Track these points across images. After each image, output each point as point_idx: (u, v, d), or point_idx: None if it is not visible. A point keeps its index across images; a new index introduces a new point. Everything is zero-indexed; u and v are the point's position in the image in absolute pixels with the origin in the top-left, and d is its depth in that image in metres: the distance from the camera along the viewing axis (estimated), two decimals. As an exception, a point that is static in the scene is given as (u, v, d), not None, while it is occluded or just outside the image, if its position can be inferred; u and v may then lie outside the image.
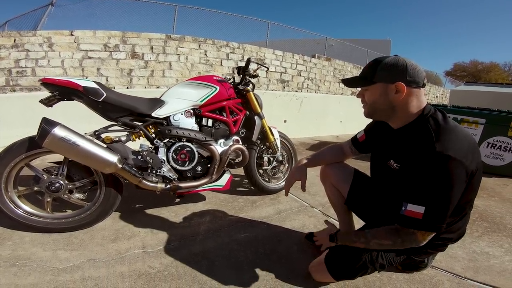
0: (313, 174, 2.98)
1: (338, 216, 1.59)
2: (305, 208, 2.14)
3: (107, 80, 3.81)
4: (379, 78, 1.01)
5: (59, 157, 1.52)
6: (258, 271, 1.36)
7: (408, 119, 1.05)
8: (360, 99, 1.14)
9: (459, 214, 1.09)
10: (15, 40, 3.29)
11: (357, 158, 1.77)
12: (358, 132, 1.45)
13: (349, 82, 1.14)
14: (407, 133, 1.05)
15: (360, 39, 15.32)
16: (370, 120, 1.39)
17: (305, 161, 1.45)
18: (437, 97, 12.16)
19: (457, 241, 1.21)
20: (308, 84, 5.97)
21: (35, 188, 1.51)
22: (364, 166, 1.51)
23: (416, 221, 0.95)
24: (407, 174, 1.00)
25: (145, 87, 4.07)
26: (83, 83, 1.51)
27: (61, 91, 1.51)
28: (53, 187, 1.48)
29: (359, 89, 1.15)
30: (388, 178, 1.17)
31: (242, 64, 2.12)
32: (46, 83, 1.49)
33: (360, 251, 1.14)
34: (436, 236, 1.10)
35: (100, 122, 1.68)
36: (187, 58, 4.38)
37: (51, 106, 1.56)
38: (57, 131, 1.34)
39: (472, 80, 22.51)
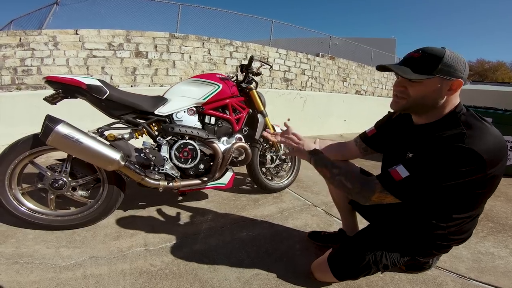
0: (316, 172, 2.98)
1: (342, 216, 1.58)
2: (308, 207, 2.13)
3: (111, 79, 3.83)
4: (440, 71, 0.90)
5: (63, 155, 1.53)
6: (259, 270, 1.35)
7: (440, 115, 0.99)
8: (396, 90, 1.02)
9: (470, 216, 1.06)
10: (20, 39, 3.33)
11: (363, 158, 1.74)
12: (367, 129, 1.38)
13: (398, 69, 0.96)
14: (435, 128, 0.98)
15: (364, 38, 15.19)
16: (376, 118, 1.35)
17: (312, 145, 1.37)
18: (442, 96, 12.04)
19: (462, 243, 1.19)
20: (312, 83, 5.94)
21: (39, 186, 1.52)
22: (368, 165, 1.49)
23: (391, 181, 0.93)
24: (418, 155, 0.95)
25: (149, 86, 4.09)
26: (86, 81, 1.52)
27: (65, 88, 1.52)
28: (56, 184, 1.49)
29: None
30: None
31: (246, 62, 2.11)
32: (50, 81, 1.50)
33: (364, 251, 1.13)
34: (443, 237, 1.09)
35: (103, 119, 1.68)
36: (190, 57, 4.39)
37: (55, 104, 1.58)
38: (61, 128, 1.35)
39: (479, 79, 22.23)
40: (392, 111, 1.21)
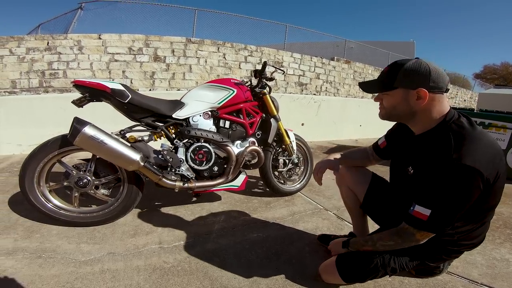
0: (329, 177, 2.97)
1: (353, 219, 1.59)
2: (319, 211, 2.14)
3: (131, 83, 3.98)
4: (400, 83, 0.98)
5: (86, 155, 1.62)
6: (268, 270, 1.38)
7: (430, 125, 1.03)
8: (378, 102, 1.12)
9: (478, 222, 1.07)
10: (48, 43, 3.51)
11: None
12: (379, 138, 1.43)
13: (367, 87, 1.11)
14: (428, 139, 1.03)
15: (382, 41, 14.97)
16: (391, 123, 1.38)
17: (337, 155, 1.48)
18: (465, 100, 11.67)
19: (473, 248, 1.18)
20: (326, 87, 5.92)
21: (65, 183, 1.62)
22: (383, 171, 1.49)
23: (420, 221, 0.96)
24: (420, 177, 1.00)
25: (167, 89, 4.20)
26: (111, 85, 1.61)
27: (91, 92, 1.61)
28: (81, 183, 1.59)
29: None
30: (405, 183, 1.16)
31: (260, 67, 2.16)
32: (78, 85, 1.60)
33: (372, 254, 1.15)
34: (452, 243, 1.09)
35: (124, 122, 1.78)
36: (206, 61, 4.48)
37: (82, 107, 1.67)
38: (87, 130, 1.44)
39: (503, 83, 21.33)
40: None
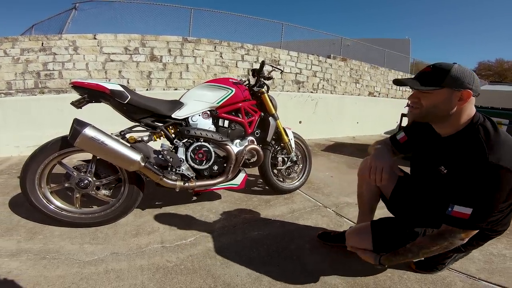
0: (327, 174, 3.01)
1: (362, 215, 1.56)
2: (318, 208, 2.17)
3: (128, 82, 3.96)
4: (448, 83, 1.01)
5: (86, 156, 1.63)
6: (269, 267, 1.41)
7: (458, 127, 1.07)
8: (411, 101, 1.13)
9: (507, 209, 1.12)
10: (42, 43, 3.47)
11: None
12: (397, 133, 1.43)
13: (403, 82, 1.09)
14: (457, 141, 1.07)
15: (378, 39, 14.96)
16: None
17: (387, 150, 1.36)
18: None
19: (500, 234, 1.23)
20: (323, 85, 5.93)
21: (66, 185, 1.62)
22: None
23: (462, 221, 1.01)
24: (456, 178, 1.04)
25: (164, 89, 4.19)
26: (110, 86, 1.61)
27: (90, 93, 1.61)
28: (82, 184, 1.59)
29: (406, 90, 1.14)
30: (436, 182, 1.18)
31: (257, 66, 2.17)
32: (76, 86, 1.59)
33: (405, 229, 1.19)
34: (486, 229, 1.14)
35: (122, 123, 1.78)
36: (203, 60, 4.47)
37: (81, 108, 1.67)
38: (88, 131, 1.45)
39: (498, 79, 21.54)
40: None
